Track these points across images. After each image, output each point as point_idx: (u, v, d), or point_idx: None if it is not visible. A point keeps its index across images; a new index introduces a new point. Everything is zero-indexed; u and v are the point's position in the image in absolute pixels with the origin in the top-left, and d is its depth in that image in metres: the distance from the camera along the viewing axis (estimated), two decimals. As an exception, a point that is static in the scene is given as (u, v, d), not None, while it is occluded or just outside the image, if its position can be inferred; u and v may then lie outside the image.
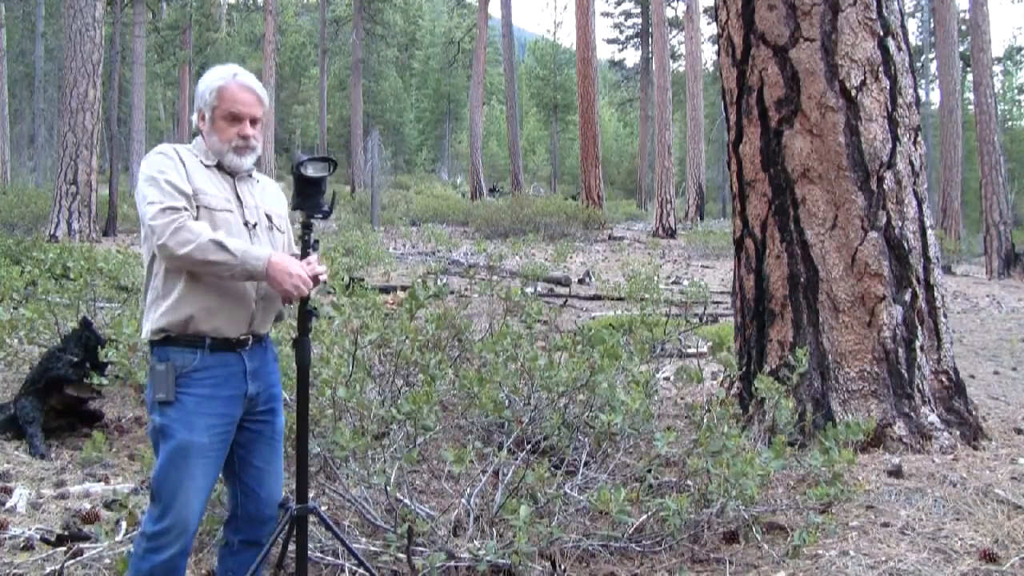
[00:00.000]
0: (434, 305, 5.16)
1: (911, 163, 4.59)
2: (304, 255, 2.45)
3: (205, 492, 2.39)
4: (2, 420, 4.78)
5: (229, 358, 2.41)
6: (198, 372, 2.37)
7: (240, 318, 2.41)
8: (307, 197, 2.45)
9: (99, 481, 4.17)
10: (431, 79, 53.42)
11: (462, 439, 4.16)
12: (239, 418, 2.45)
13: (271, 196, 2.62)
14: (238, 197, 2.48)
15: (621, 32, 47.81)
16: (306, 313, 2.45)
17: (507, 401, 4.04)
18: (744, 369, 4.78)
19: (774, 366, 4.57)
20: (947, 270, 17.28)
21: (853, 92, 4.48)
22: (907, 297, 4.48)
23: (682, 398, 5.37)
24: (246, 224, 2.45)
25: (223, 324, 2.38)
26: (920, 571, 2.97)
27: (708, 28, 35.10)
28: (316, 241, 2.49)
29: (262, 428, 2.53)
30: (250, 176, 2.56)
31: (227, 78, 2.45)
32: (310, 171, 2.42)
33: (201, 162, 2.45)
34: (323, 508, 2.95)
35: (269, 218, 2.55)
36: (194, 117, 2.52)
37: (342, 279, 6.23)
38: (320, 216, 2.48)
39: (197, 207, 2.35)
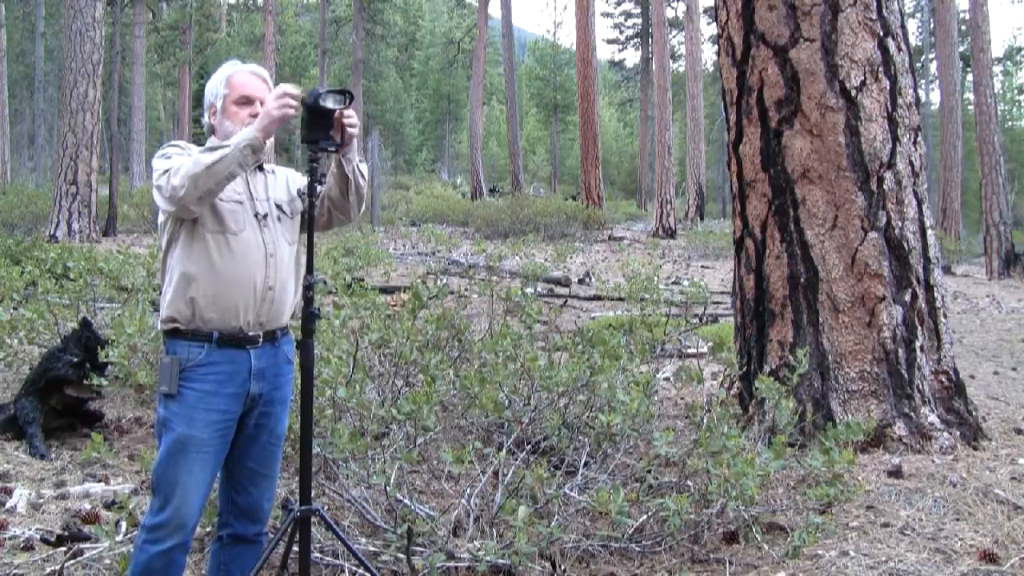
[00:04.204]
0: (434, 305, 5.16)
1: (911, 163, 4.59)
2: (311, 190, 2.47)
3: (204, 486, 2.41)
4: (2, 420, 4.78)
5: (237, 355, 2.43)
6: (203, 367, 2.39)
7: (245, 305, 2.42)
8: (318, 129, 2.44)
9: (99, 482, 4.17)
10: (431, 79, 53.35)
11: (462, 439, 4.16)
12: (239, 416, 2.46)
13: (281, 184, 2.63)
14: (249, 190, 2.51)
15: (621, 32, 47.78)
16: (309, 315, 2.45)
17: (507, 401, 4.04)
18: (744, 369, 4.78)
19: (774, 366, 4.57)
20: (947, 270, 17.27)
21: (853, 92, 4.48)
22: (907, 297, 4.48)
23: (682, 398, 5.37)
24: (256, 215, 2.49)
25: (227, 312, 2.39)
26: (920, 571, 2.97)
27: (708, 28, 35.09)
28: (323, 175, 2.52)
29: (256, 432, 2.53)
30: (261, 170, 2.59)
31: (234, 69, 2.57)
32: (329, 103, 2.41)
33: None
34: (323, 508, 2.95)
35: (279, 207, 2.57)
36: (204, 117, 2.59)
37: (344, 279, 6.23)
38: (332, 149, 2.49)
39: None
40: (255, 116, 2.47)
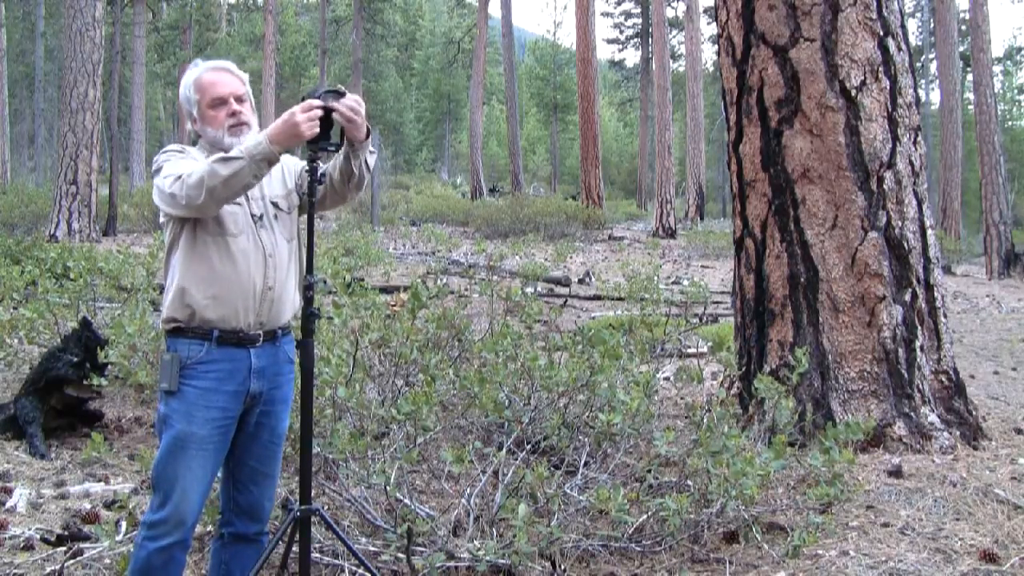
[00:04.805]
0: (434, 305, 5.16)
1: (911, 163, 4.59)
2: (311, 191, 2.44)
3: (203, 484, 2.41)
4: (2, 420, 4.78)
5: (237, 354, 2.43)
6: (203, 364, 2.39)
7: (245, 306, 2.42)
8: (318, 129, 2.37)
9: (99, 481, 4.17)
10: (431, 79, 53.32)
11: (462, 439, 4.16)
12: (239, 414, 2.46)
13: (276, 178, 2.60)
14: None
15: (621, 32, 47.77)
16: (309, 315, 2.44)
17: (507, 401, 4.04)
18: (744, 369, 4.78)
19: (774, 366, 4.57)
20: (947, 270, 17.27)
21: (853, 92, 4.48)
22: (907, 297, 4.48)
23: (682, 398, 5.37)
24: (252, 216, 2.48)
25: (228, 313, 2.40)
26: (920, 571, 2.97)
27: (708, 28, 35.10)
28: (322, 175, 2.48)
29: (257, 431, 2.53)
30: None
31: (198, 71, 2.51)
32: (330, 102, 2.36)
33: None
34: (323, 508, 2.95)
35: (275, 204, 2.55)
36: (188, 125, 2.57)
37: (343, 279, 6.23)
38: (331, 149, 2.45)
39: None
40: (233, 115, 2.46)
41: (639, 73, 44.26)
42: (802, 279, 4.55)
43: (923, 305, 4.54)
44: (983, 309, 12.60)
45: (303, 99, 2.45)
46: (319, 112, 2.30)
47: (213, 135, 2.47)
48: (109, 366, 4.69)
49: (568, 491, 3.46)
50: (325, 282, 7.24)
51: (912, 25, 40.57)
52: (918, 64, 35.33)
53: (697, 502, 3.29)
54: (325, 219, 22.40)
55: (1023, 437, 4.66)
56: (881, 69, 4.52)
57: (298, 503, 2.50)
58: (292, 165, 2.66)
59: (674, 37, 39.77)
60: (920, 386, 4.42)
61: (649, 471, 3.59)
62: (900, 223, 4.50)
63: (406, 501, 3.24)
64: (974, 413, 4.59)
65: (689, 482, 3.49)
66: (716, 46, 6.59)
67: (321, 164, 2.50)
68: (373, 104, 46.62)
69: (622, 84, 51.66)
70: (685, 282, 13.06)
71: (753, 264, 4.81)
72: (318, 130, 2.31)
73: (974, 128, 19.86)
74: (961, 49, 29.07)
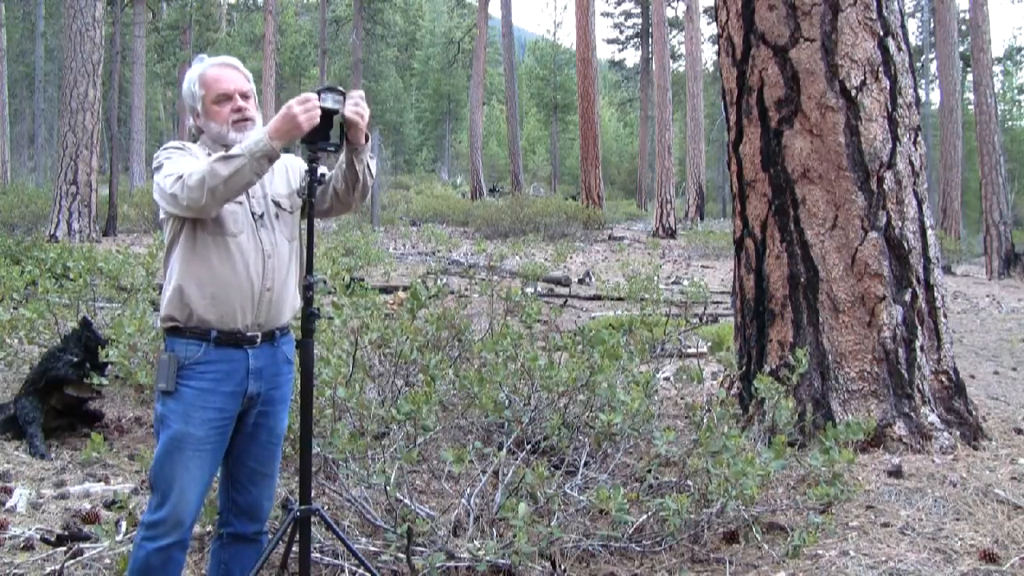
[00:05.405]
0: (434, 305, 5.16)
1: (911, 163, 4.59)
2: (311, 191, 2.43)
3: (201, 484, 2.41)
4: (2, 420, 4.78)
5: (234, 354, 2.42)
6: (200, 365, 2.38)
7: (243, 307, 2.41)
8: (317, 129, 2.35)
9: (99, 481, 4.17)
10: (431, 79, 53.32)
11: (462, 439, 4.16)
12: (237, 414, 2.46)
13: (280, 177, 2.59)
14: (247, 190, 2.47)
15: (621, 32, 47.79)
16: (309, 315, 2.44)
17: (507, 401, 4.04)
18: (744, 369, 4.78)
19: (774, 366, 4.57)
20: (947, 270, 17.28)
21: (853, 92, 4.48)
22: (907, 297, 4.48)
23: (682, 398, 5.37)
24: (253, 215, 2.46)
25: (226, 314, 2.39)
26: (920, 571, 2.97)
27: (708, 28, 35.11)
28: (323, 175, 2.47)
29: (256, 431, 2.52)
30: None
31: (203, 66, 2.50)
32: (329, 103, 2.35)
33: (209, 155, 2.45)
34: (323, 508, 2.95)
35: (277, 203, 2.54)
36: (189, 121, 2.55)
37: (343, 279, 6.24)
38: (331, 149, 2.43)
39: None
40: (238, 111, 2.45)
41: (639, 73, 44.25)
42: (802, 279, 4.55)
43: (923, 305, 4.54)
44: (983, 309, 12.60)
45: None
46: (316, 104, 2.30)
47: (217, 130, 2.46)
48: (109, 366, 4.69)
49: (568, 491, 3.46)
50: (325, 282, 7.24)
51: (912, 25, 40.59)
52: (918, 64, 35.34)
53: (697, 502, 3.29)
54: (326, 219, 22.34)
55: (1023, 437, 4.66)
56: (881, 69, 4.52)
57: (298, 503, 2.49)
58: (297, 166, 2.64)
59: (674, 37, 39.79)
60: (920, 386, 4.42)
61: (649, 471, 3.59)
62: (900, 223, 4.50)
63: (406, 501, 3.24)
64: (974, 413, 4.59)
65: (689, 482, 3.49)
66: (716, 46, 6.59)
67: (321, 165, 2.49)
68: (373, 104, 46.58)
69: (622, 84, 51.66)
70: (685, 282, 13.05)
71: (753, 264, 4.81)
72: (317, 122, 2.30)
73: (974, 128, 19.87)
74: (961, 49, 29.09)
